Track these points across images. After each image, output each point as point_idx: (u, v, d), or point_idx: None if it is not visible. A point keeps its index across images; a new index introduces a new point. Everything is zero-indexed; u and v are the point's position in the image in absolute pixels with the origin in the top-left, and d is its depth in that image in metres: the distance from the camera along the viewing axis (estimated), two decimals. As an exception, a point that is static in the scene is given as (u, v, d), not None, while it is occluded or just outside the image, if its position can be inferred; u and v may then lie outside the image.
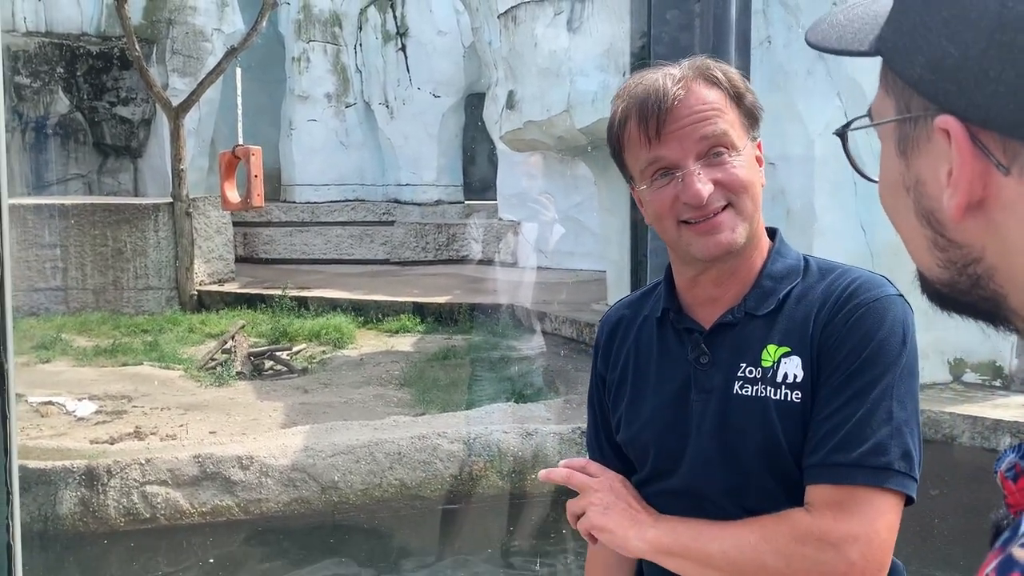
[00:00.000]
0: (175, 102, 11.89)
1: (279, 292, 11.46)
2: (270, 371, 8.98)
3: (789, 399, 1.17)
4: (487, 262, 13.71)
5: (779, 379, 1.18)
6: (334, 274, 13.79)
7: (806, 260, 1.26)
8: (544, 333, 9.12)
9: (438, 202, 15.79)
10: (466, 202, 16.17)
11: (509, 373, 8.13)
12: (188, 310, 11.61)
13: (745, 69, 1.74)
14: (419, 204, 15.72)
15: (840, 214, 6.28)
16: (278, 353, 9.21)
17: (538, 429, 5.99)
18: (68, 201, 12.09)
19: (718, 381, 1.23)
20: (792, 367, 1.18)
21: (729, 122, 1.19)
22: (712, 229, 1.18)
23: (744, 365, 1.21)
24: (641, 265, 1.86)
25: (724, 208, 1.18)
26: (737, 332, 1.23)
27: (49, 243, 11.42)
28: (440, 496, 5.69)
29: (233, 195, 10.21)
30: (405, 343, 9.74)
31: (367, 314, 10.83)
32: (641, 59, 1.84)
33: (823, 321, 1.18)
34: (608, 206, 9.10)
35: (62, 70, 14.36)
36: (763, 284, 1.24)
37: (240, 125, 10.19)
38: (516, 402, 6.79)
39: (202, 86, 11.91)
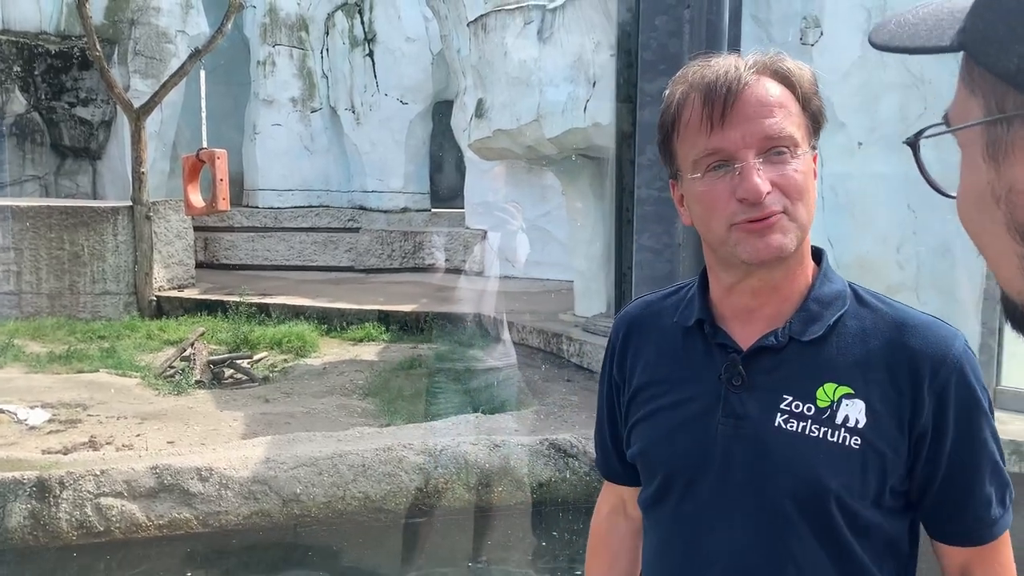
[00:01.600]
0: (136, 104, 11.65)
1: (239, 298, 11.26)
2: (230, 380, 8.79)
3: (848, 443, 1.10)
4: (454, 271, 13.61)
5: (838, 421, 1.11)
6: (297, 281, 13.60)
7: (852, 288, 1.20)
8: (512, 343, 9.05)
9: (404, 209, 15.67)
10: (433, 210, 16.07)
11: (476, 383, 8.04)
12: (146, 316, 11.36)
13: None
14: (385, 211, 15.58)
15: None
16: (238, 361, 9.03)
17: (506, 441, 5.91)
18: (24, 203, 11.78)
19: (753, 408, 1.14)
20: (855, 411, 1.10)
21: (795, 123, 1.11)
22: (764, 230, 1.09)
23: (789, 398, 1.13)
24: (625, 277, 1.79)
25: (779, 212, 1.10)
26: (779, 358, 1.15)
27: (2, 246, 11.11)
28: (405, 509, 5.58)
29: (197, 199, 10.01)
30: (370, 352, 9.60)
31: (331, 322, 10.68)
32: (628, 64, 1.78)
33: (913, 380, 1.11)
34: (576, 216, 9.07)
35: (19, 69, 14.01)
36: (809, 307, 1.16)
37: (204, 128, 10.00)
38: (483, 413, 6.70)
39: (165, 88, 11.69)
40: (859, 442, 1.10)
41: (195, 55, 11.49)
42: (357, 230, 15.32)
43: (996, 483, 1.13)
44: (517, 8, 8.69)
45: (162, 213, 12.04)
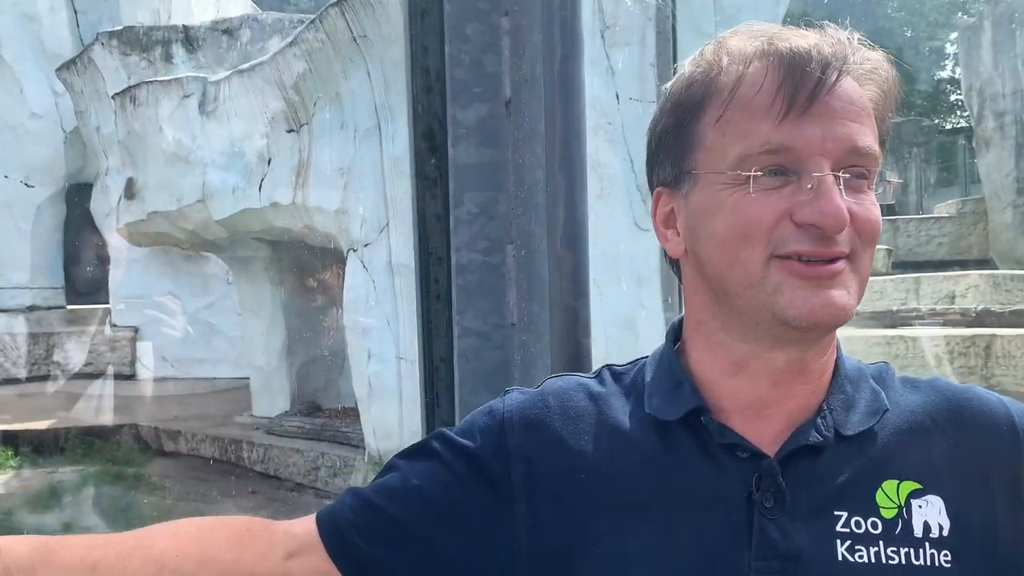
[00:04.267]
0: None
1: None
2: None
3: (937, 563, 0.76)
4: (99, 376, 11.93)
5: (917, 532, 0.77)
6: None
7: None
8: (179, 455, 7.91)
9: (32, 308, 13.64)
10: (69, 307, 14.13)
11: (140, 510, 6.81)
12: None
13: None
14: (7, 311, 13.48)
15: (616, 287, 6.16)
16: None
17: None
18: None
19: (802, 539, 0.76)
20: (933, 514, 0.78)
21: (876, 141, 0.78)
22: (829, 278, 0.75)
23: (844, 514, 0.77)
24: (438, 373, 1.29)
25: (846, 256, 0.76)
26: (819, 462, 0.79)
27: None
28: None
29: None
30: (-7, 483, 7.91)
31: (-63, 450, 8.71)
32: (427, 89, 1.32)
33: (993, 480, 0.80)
34: (250, 306, 8.28)
35: None
36: (845, 389, 0.82)
37: None
38: (153, 546, 5.61)
39: None
40: (949, 558, 0.77)
41: None
42: (-30, 335, 13.00)
43: None
44: (173, 80, 7.87)
45: None
